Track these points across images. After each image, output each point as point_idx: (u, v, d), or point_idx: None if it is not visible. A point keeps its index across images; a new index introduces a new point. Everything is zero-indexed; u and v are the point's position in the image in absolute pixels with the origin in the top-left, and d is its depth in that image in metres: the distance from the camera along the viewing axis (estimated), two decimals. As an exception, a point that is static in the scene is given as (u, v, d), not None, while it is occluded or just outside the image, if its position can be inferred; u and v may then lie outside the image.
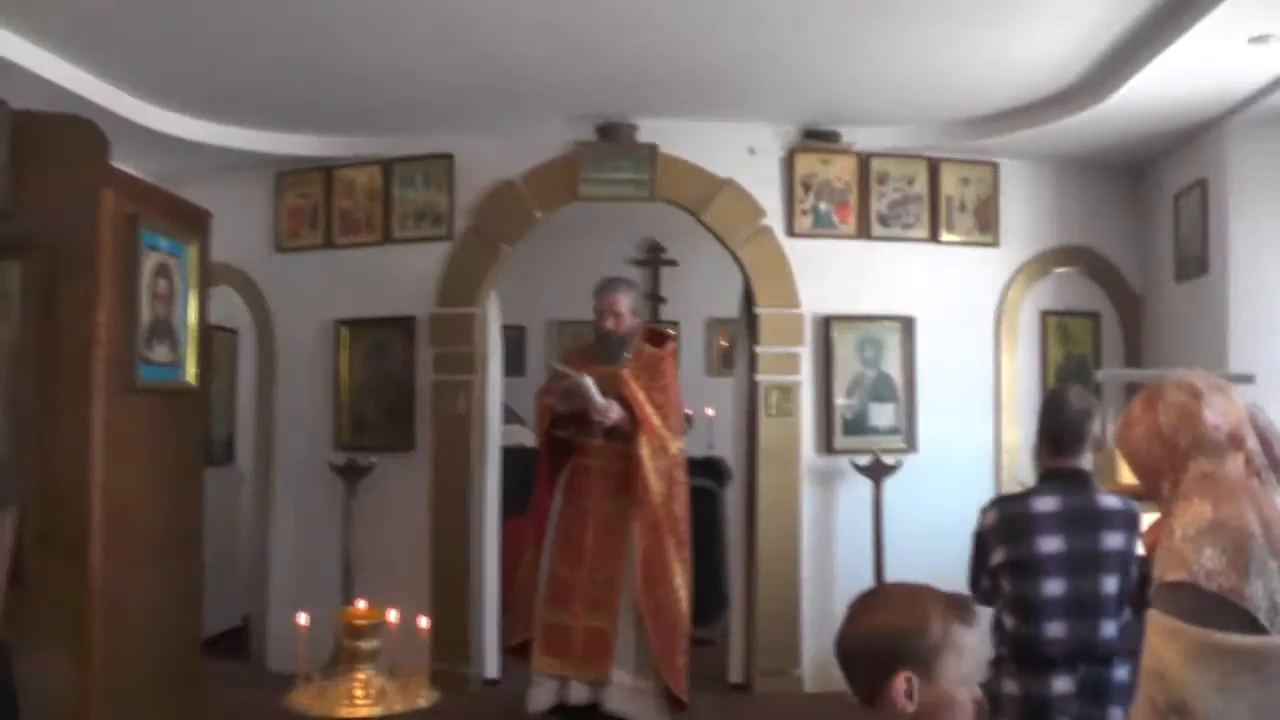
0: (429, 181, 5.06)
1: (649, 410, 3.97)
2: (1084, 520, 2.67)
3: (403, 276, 5.02)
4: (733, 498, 5.16)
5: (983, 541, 2.79)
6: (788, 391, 4.89)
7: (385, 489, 4.90)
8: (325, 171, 5.15)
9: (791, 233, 4.91)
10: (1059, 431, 2.76)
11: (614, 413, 3.89)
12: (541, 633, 3.89)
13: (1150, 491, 1.82)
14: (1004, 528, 2.74)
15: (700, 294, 6.70)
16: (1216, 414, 1.76)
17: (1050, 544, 2.65)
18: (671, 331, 4.27)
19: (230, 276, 5.32)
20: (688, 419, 6.91)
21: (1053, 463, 2.77)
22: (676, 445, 4.03)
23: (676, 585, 3.93)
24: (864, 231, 4.93)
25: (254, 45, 4.00)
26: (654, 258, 7.91)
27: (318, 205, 5.22)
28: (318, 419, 5.06)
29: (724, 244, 4.79)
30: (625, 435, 3.89)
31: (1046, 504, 2.71)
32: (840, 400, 4.87)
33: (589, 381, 3.83)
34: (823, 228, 4.95)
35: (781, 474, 4.82)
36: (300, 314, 5.16)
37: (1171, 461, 1.76)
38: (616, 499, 3.94)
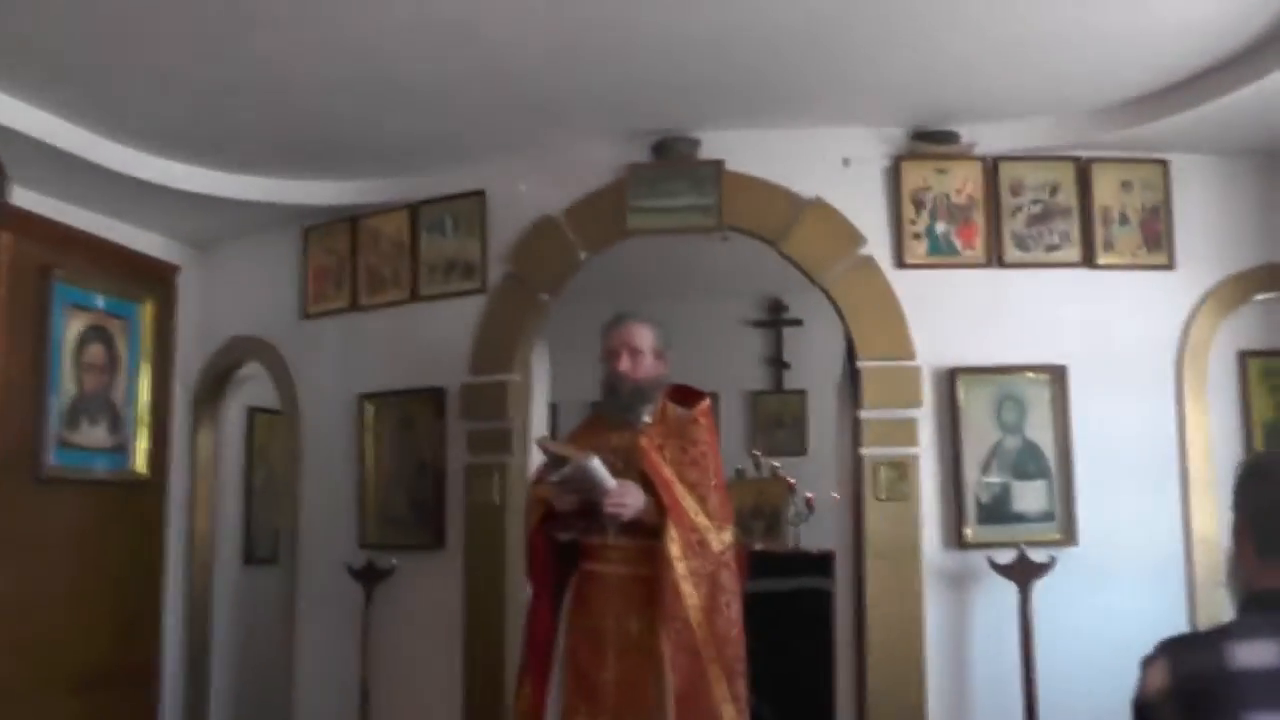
0: (459, 225, 5.44)
1: (679, 490, 3.63)
2: None
3: (431, 340, 5.45)
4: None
5: (1147, 718, 2.09)
6: (902, 468, 4.82)
7: (409, 596, 5.30)
8: (351, 222, 5.79)
9: (901, 263, 4.95)
10: (1275, 526, 2.03)
11: (633, 499, 3.57)
12: None
13: None
14: (1184, 695, 1.98)
15: (830, 357, 6.44)
16: None
17: None
18: (704, 390, 4.03)
19: (260, 350, 5.99)
20: (808, 505, 7.34)
21: (1267, 580, 2.04)
22: (722, 539, 3.68)
23: None
24: (995, 257, 4.93)
25: (262, 84, 4.43)
26: (775, 318, 8.26)
27: (344, 262, 5.78)
28: (342, 512, 5.59)
29: (812, 280, 5.02)
30: (651, 528, 3.61)
31: (1257, 654, 1.93)
32: (973, 477, 4.81)
33: (596, 463, 3.52)
34: (941, 255, 4.94)
35: (896, 575, 4.78)
36: (324, 388, 5.77)
37: None
38: (643, 617, 3.62)
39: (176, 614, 5.91)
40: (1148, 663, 2.08)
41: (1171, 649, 2.08)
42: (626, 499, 3.57)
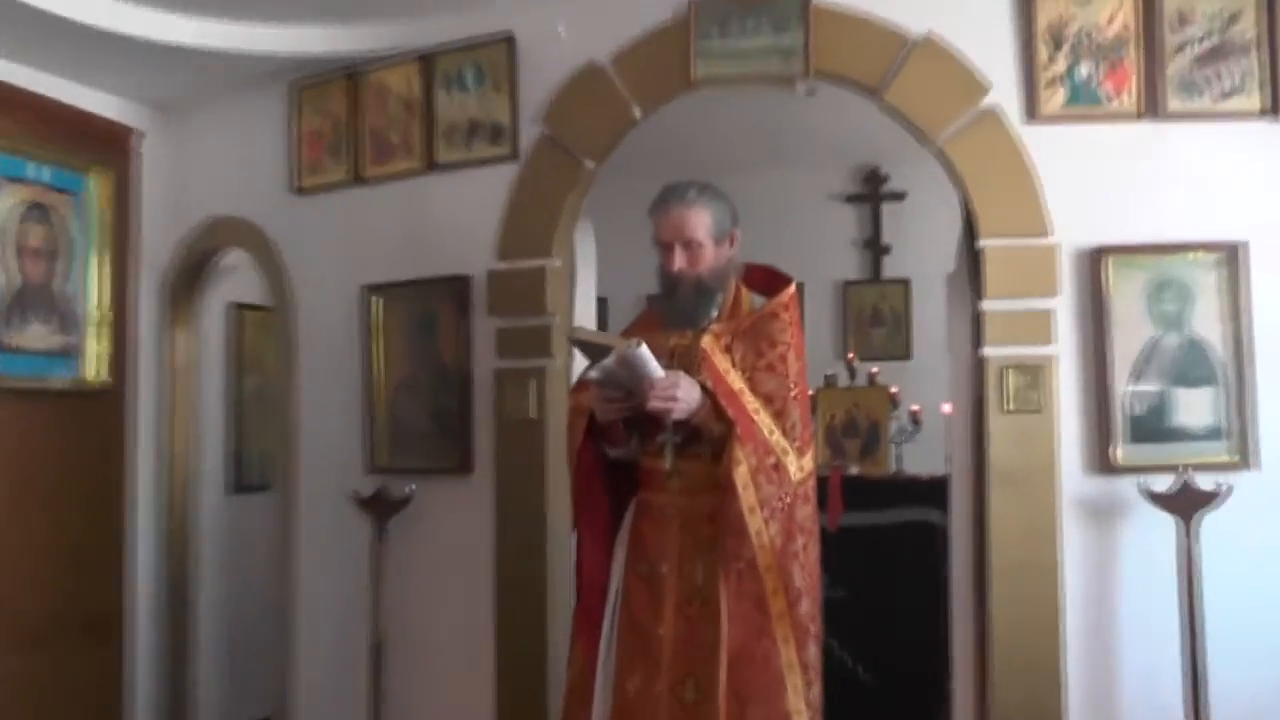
0: (483, 77, 5.35)
1: (749, 402, 3.48)
2: None
3: (452, 218, 5.40)
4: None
5: None
6: (1034, 372, 4.69)
7: (430, 531, 5.34)
8: (350, 77, 5.72)
9: (1034, 116, 4.76)
10: None
11: (685, 393, 3.40)
12: None
13: None
14: None
15: (940, 238, 6.35)
16: None
17: None
18: (789, 275, 3.83)
19: (244, 234, 5.99)
20: (913, 419, 7.22)
21: None
22: (802, 464, 3.55)
23: (788, 710, 3.45)
24: (1154, 108, 4.69)
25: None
26: (872, 191, 8.15)
27: (343, 126, 5.73)
28: (347, 429, 5.62)
29: (921, 139, 4.85)
30: (719, 444, 3.49)
31: None
32: (1123, 384, 4.65)
33: (644, 351, 3.34)
34: (1085, 105, 4.73)
35: (1027, 506, 4.67)
36: (323, 279, 5.76)
37: None
38: (711, 561, 3.51)
39: (149, 552, 5.88)
40: None
41: None
42: (677, 391, 3.39)
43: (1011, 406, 4.65)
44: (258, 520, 6.25)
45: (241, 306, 6.65)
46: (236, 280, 6.43)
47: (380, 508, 5.21)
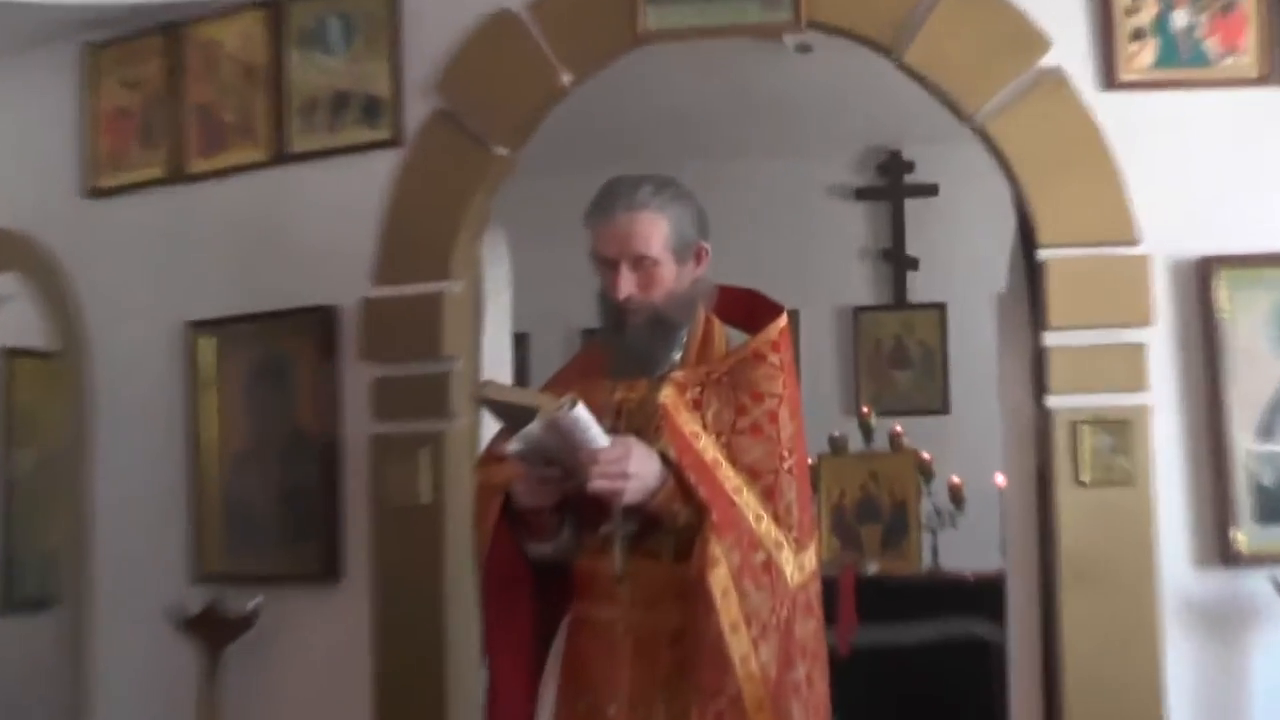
0: (353, 32, 4.96)
1: (728, 478, 3.12)
2: None
3: (312, 227, 5.02)
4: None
5: None
6: (1121, 430, 4.36)
7: (283, 658, 4.93)
8: (168, 32, 5.29)
9: (1112, 82, 4.47)
10: None
11: (639, 467, 3.01)
12: None
13: None
14: None
15: (985, 249, 6.15)
16: None
17: None
18: (779, 302, 3.49)
19: (16, 253, 5.56)
20: (953, 496, 6.93)
21: None
22: (801, 562, 3.19)
23: None
24: (1275, 71, 4.41)
25: None
26: (892, 183, 7.70)
27: (158, 100, 5.30)
28: (164, 522, 5.15)
29: (957, 113, 4.53)
30: (684, 535, 3.13)
31: None
32: (1246, 444, 4.36)
33: (579, 412, 2.96)
34: (1184, 65, 4.44)
35: (1115, 612, 4.34)
36: (131, 313, 5.35)
37: None
38: (676, 698, 3.11)
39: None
40: None
41: None
42: (627, 464, 3.00)
43: (1090, 477, 4.33)
44: (35, 649, 5.83)
45: (13, 352, 6.30)
46: (6, 317, 6.05)
47: (212, 630, 4.84)
